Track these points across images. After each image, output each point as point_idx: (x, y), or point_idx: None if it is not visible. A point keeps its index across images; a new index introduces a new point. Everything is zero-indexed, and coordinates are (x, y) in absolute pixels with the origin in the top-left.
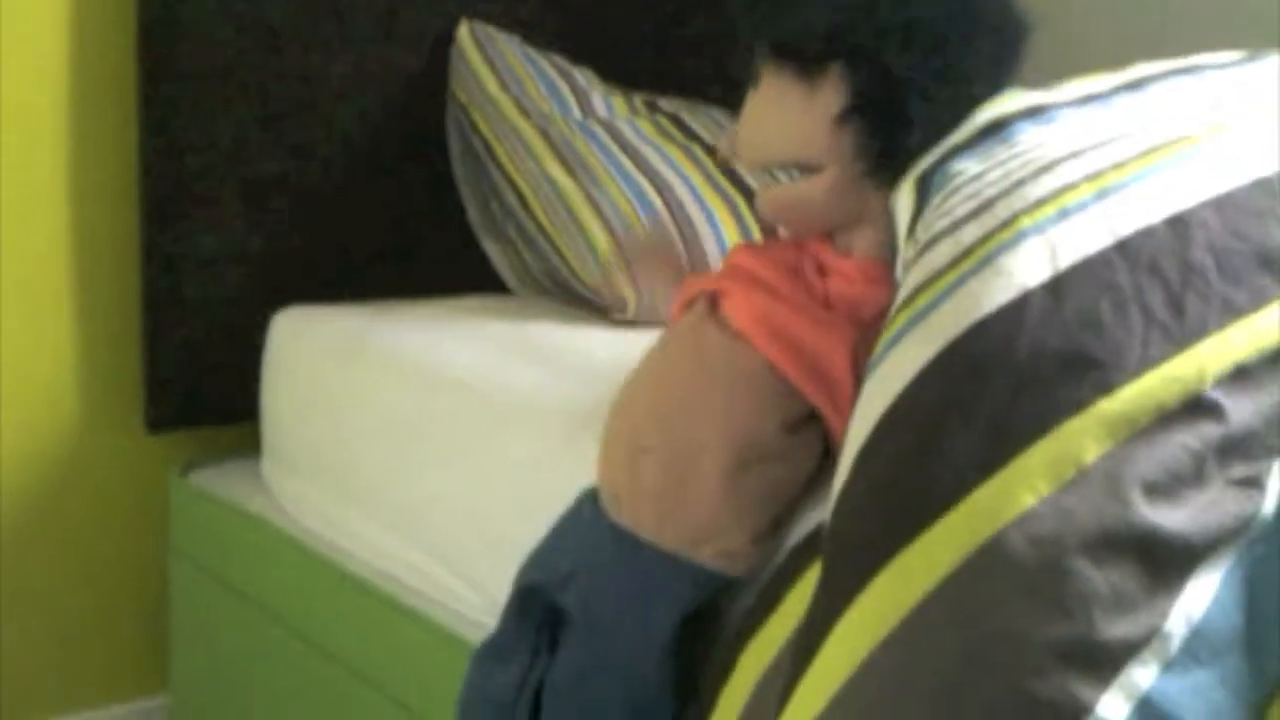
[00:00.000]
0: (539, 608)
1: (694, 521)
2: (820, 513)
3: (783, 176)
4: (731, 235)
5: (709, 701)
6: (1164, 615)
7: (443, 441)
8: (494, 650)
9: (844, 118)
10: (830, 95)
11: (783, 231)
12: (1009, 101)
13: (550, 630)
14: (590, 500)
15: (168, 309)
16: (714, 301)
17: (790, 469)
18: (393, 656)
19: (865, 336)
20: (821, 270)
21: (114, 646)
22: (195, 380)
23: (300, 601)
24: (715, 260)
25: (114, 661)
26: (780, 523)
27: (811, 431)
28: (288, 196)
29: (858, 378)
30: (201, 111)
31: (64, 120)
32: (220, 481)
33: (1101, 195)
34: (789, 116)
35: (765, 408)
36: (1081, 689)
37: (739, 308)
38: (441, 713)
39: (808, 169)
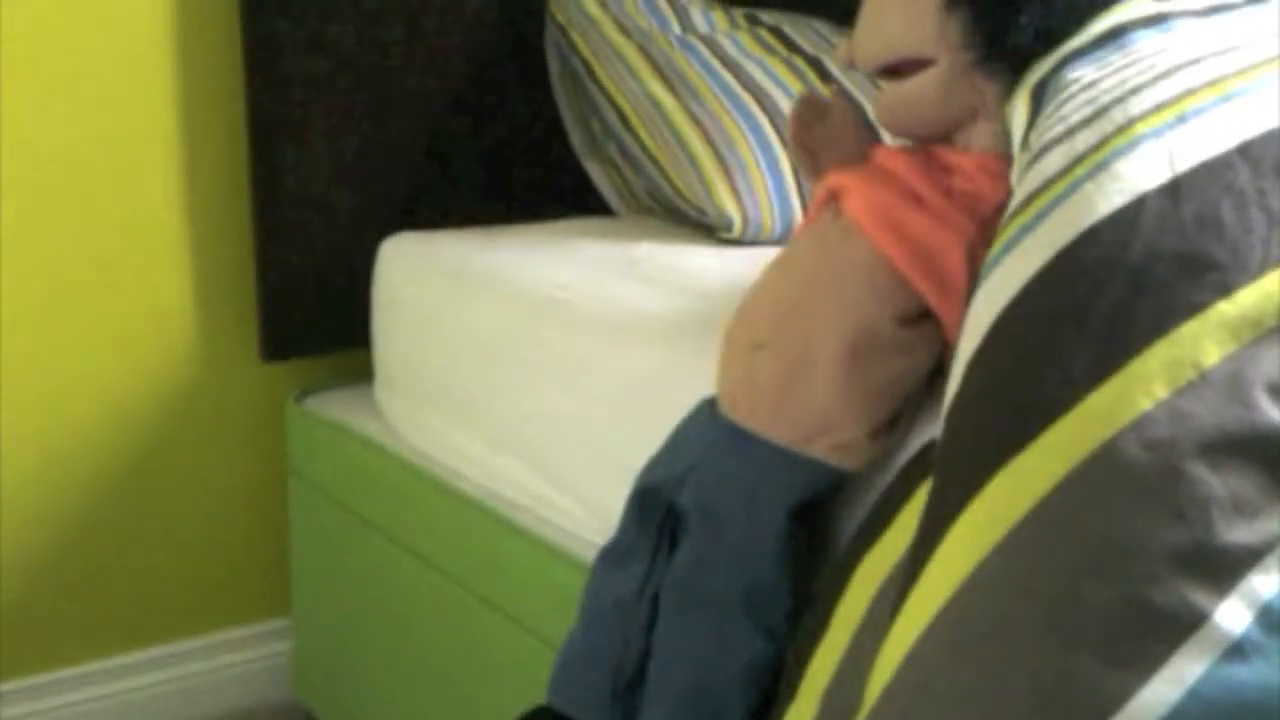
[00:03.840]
0: (658, 509)
1: (807, 415)
2: (934, 428)
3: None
4: None
5: (824, 616)
6: None
7: (549, 361)
8: (615, 553)
9: (951, 5)
10: None
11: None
12: (1127, 8)
13: (670, 532)
14: (708, 406)
15: (278, 241)
16: (837, 198)
17: (906, 363)
18: (506, 574)
19: (984, 233)
20: (944, 169)
21: (237, 570)
22: (308, 310)
23: (415, 522)
24: None
25: (237, 584)
26: (897, 420)
27: (929, 327)
28: (390, 125)
29: (974, 275)
30: (303, 41)
31: (170, 53)
32: (335, 407)
33: (1223, 100)
34: (898, 11)
35: (879, 299)
36: (1199, 596)
37: (855, 201)
38: (555, 628)
39: (920, 65)
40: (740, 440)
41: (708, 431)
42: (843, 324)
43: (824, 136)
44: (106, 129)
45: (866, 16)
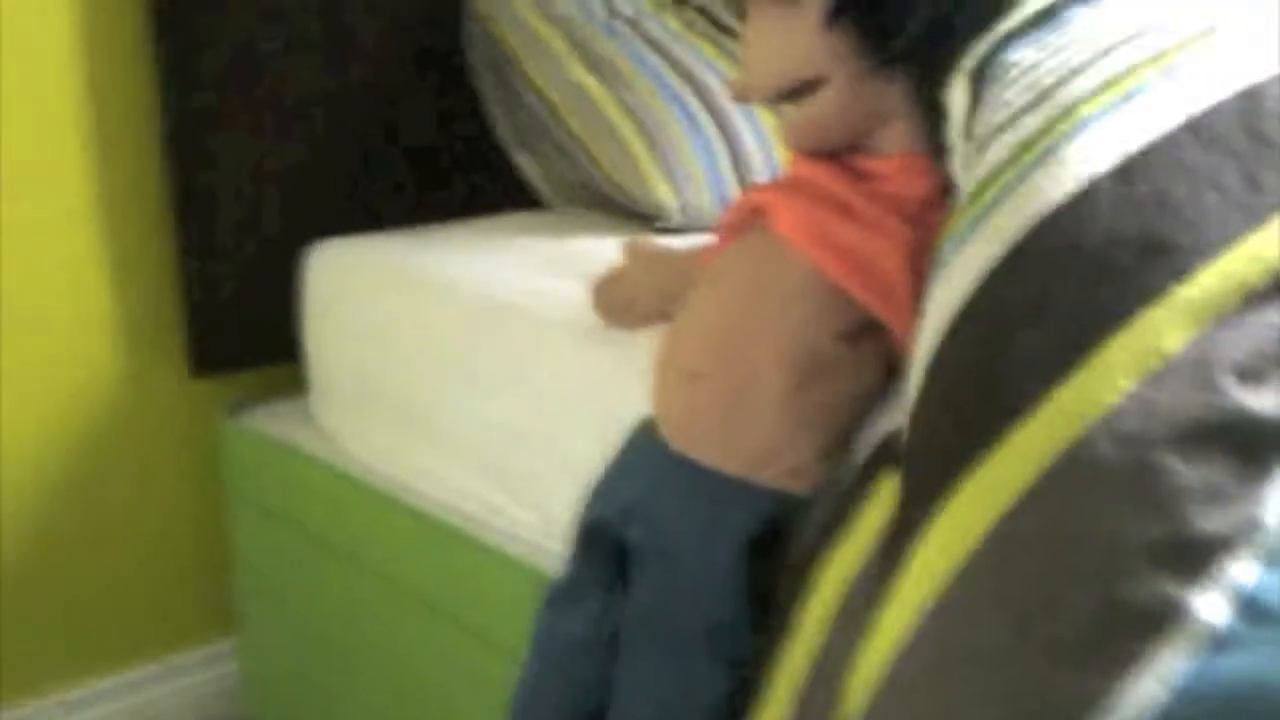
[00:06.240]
0: (606, 544)
1: (755, 443)
2: (889, 421)
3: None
4: (770, 129)
5: (791, 619)
6: (1259, 503)
7: (489, 364)
8: (565, 592)
9: (831, 22)
10: (810, 3)
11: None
12: None
13: (620, 565)
14: (647, 430)
15: (201, 253)
16: (761, 216)
17: (852, 381)
18: (456, 583)
19: (919, 233)
20: (862, 175)
21: (178, 593)
22: (236, 322)
23: (359, 534)
24: (755, 157)
25: (179, 608)
26: (847, 437)
27: (873, 341)
28: (310, 127)
29: (916, 276)
30: (217, 42)
31: (79, 58)
32: (269, 421)
33: (1166, 75)
34: (779, 38)
35: (820, 317)
36: (1175, 589)
37: (782, 216)
38: (510, 636)
39: (814, 85)
40: (687, 472)
41: (651, 462)
42: (784, 347)
43: (627, 297)
44: (14, 139)
45: (751, 47)
